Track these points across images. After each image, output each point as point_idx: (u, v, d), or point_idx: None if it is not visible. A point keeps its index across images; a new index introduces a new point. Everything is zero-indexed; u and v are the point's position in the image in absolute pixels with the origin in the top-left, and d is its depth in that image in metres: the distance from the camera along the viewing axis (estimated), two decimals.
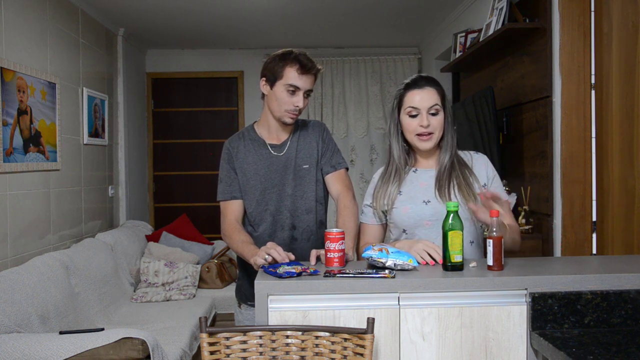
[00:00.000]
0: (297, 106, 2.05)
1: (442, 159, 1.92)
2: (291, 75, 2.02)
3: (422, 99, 1.87)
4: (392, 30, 5.19)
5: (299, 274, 1.65)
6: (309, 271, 1.68)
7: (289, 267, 1.71)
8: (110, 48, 4.79)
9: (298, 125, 2.21)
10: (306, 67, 2.02)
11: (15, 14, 3.13)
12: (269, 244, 1.84)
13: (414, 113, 1.88)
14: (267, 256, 1.78)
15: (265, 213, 2.13)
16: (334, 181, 2.16)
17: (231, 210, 2.13)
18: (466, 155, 1.97)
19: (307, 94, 2.07)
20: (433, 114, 1.87)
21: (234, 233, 2.05)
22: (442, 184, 1.89)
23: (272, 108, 2.09)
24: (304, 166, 2.14)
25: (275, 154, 2.15)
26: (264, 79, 2.09)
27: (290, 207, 2.13)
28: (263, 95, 2.14)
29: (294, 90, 2.03)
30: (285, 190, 2.12)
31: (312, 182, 2.15)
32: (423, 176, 1.94)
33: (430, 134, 1.88)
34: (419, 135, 1.89)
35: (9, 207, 3.02)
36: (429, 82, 1.90)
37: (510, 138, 3.41)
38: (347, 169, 2.20)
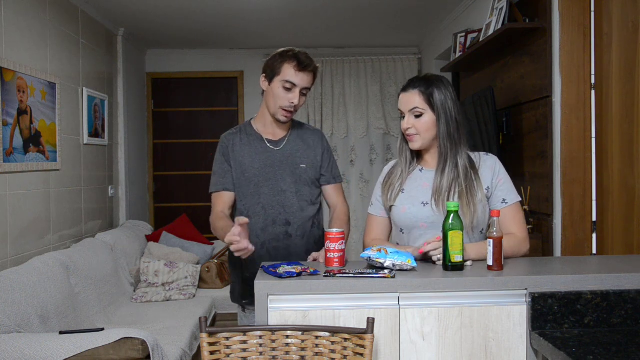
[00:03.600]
0: (293, 103, 2.07)
1: (439, 166, 1.90)
2: (288, 72, 2.05)
3: (404, 101, 1.90)
4: (392, 30, 5.19)
5: (299, 274, 1.65)
6: (308, 271, 1.68)
7: (289, 267, 1.71)
8: (110, 48, 4.79)
9: (295, 125, 2.24)
10: (303, 64, 2.05)
11: (15, 14, 3.13)
12: (235, 229, 1.76)
13: (402, 115, 1.92)
14: (236, 237, 1.74)
15: (258, 207, 2.14)
16: (334, 193, 2.25)
17: (221, 201, 2.16)
18: (475, 157, 1.93)
19: (304, 92, 2.09)
20: (417, 116, 1.88)
21: (218, 221, 2.07)
22: (439, 194, 1.86)
23: (269, 104, 2.13)
24: (302, 165, 2.16)
25: (272, 147, 2.17)
26: (263, 75, 2.14)
27: (284, 203, 2.13)
28: (263, 91, 2.17)
29: (290, 87, 2.06)
30: (279, 185, 2.14)
31: (308, 182, 2.17)
32: (427, 176, 1.94)
33: (414, 135, 1.89)
34: (406, 135, 1.92)
35: (9, 207, 3.02)
36: (416, 84, 1.89)
37: (510, 138, 3.41)
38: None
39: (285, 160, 2.16)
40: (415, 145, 1.91)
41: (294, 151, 2.18)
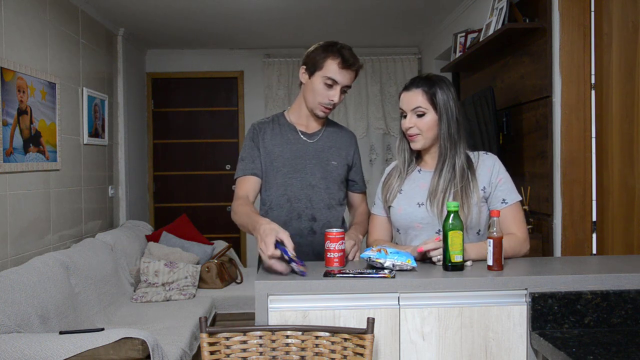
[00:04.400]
0: (332, 100, 2.02)
1: (437, 166, 1.89)
2: (331, 68, 1.99)
3: (407, 101, 1.89)
4: (392, 30, 5.19)
5: (288, 261, 1.63)
6: (297, 267, 1.64)
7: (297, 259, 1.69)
8: (110, 48, 4.79)
9: (330, 122, 2.19)
10: (348, 62, 1.99)
11: (15, 14, 3.13)
12: (280, 231, 1.66)
13: (404, 114, 1.91)
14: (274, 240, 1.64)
15: (283, 198, 2.07)
16: (360, 200, 2.25)
17: (246, 186, 2.06)
18: (474, 156, 1.92)
19: (345, 89, 2.04)
20: (419, 115, 1.87)
21: (242, 206, 1.95)
22: (434, 196, 1.86)
23: (307, 98, 2.07)
24: (333, 162, 2.10)
25: (305, 139, 2.11)
26: (304, 67, 2.06)
27: (312, 198, 2.07)
28: (301, 83, 2.11)
29: (331, 83, 2.00)
30: (307, 179, 2.07)
31: (338, 180, 2.12)
32: (425, 177, 1.93)
33: (416, 134, 1.88)
34: (408, 135, 1.91)
35: (9, 207, 3.02)
36: (419, 83, 1.88)
37: (510, 138, 3.41)
38: None
39: (317, 154, 2.09)
40: (417, 145, 1.90)
41: (326, 147, 2.11)
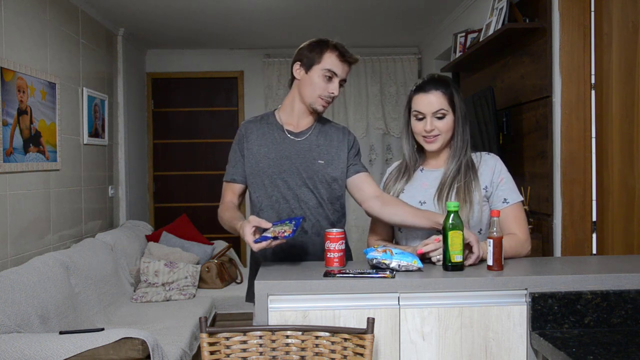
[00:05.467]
0: (332, 93, 2.02)
1: (449, 165, 1.91)
2: (330, 60, 2.00)
3: (428, 103, 1.88)
4: (392, 30, 5.19)
5: (274, 238, 1.71)
6: (283, 235, 1.71)
7: (279, 225, 1.76)
8: (110, 48, 4.79)
9: (321, 120, 2.16)
10: (345, 55, 2.01)
11: (15, 14, 3.13)
12: (251, 218, 1.79)
13: (420, 117, 1.90)
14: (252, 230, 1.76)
15: (272, 199, 2.06)
16: (367, 181, 2.06)
17: (230, 191, 2.12)
18: (476, 157, 1.94)
19: (342, 83, 2.05)
20: (439, 118, 1.88)
21: (225, 212, 2.04)
22: (444, 191, 1.87)
23: (305, 93, 2.05)
24: (319, 161, 2.07)
25: (292, 138, 2.08)
26: (298, 62, 2.05)
27: (301, 198, 2.05)
28: (291, 81, 2.10)
29: (330, 76, 2.00)
30: (295, 179, 2.05)
31: (326, 179, 2.07)
32: (428, 176, 1.95)
33: (435, 136, 1.89)
34: (424, 137, 1.91)
35: (9, 207, 3.02)
36: (437, 85, 1.89)
37: (510, 138, 3.41)
38: None
39: (304, 153, 2.07)
40: (435, 146, 1.91)
41: (314, 145, 2.08)
